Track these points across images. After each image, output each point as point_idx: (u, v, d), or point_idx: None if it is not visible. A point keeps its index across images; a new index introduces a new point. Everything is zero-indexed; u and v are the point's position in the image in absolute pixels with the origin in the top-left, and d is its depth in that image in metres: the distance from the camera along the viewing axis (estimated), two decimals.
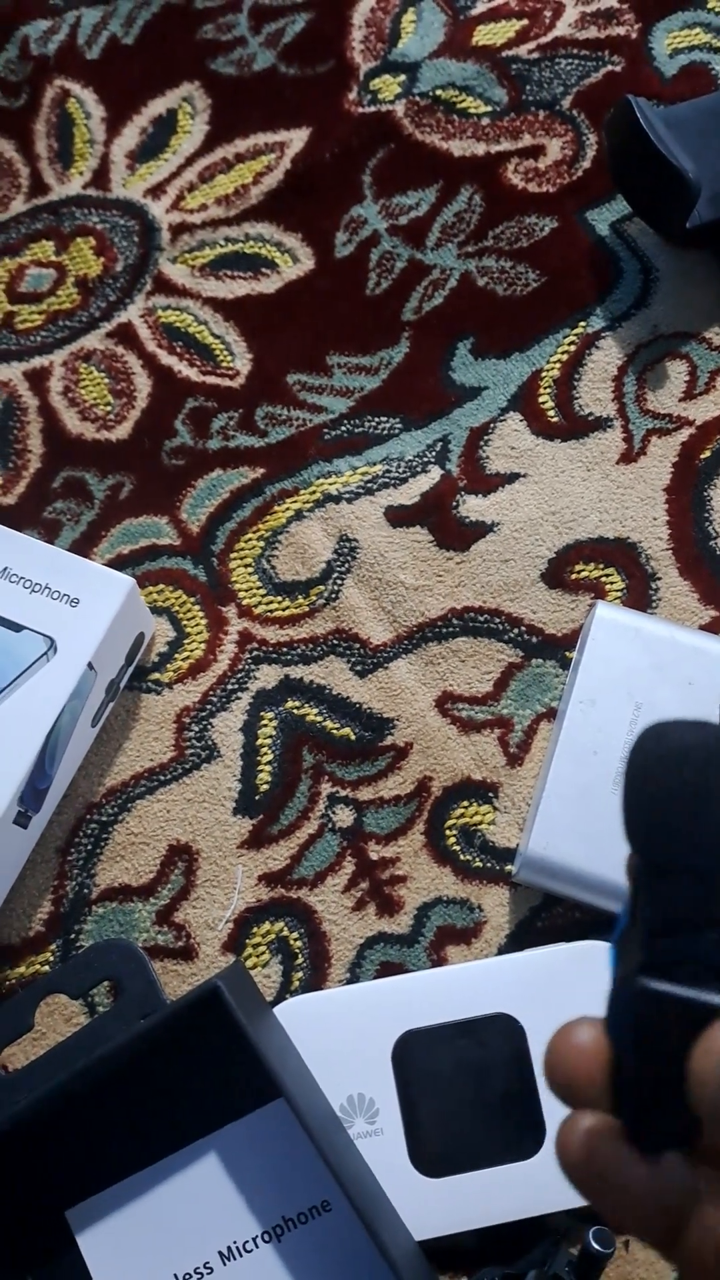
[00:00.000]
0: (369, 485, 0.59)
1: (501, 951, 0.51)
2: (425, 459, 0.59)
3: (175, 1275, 0.45)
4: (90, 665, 0.50)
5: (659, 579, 0.56)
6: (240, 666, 0.56)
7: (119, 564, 0.58)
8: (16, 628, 0.51)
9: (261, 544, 0.58)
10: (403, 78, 0.67)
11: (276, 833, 0.53)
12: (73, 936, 0.52)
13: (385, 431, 0.60)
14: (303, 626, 0.56)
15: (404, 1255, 0.41)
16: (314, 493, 0.59)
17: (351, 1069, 0.47)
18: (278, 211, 0.65)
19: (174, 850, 0.53)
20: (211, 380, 0.61)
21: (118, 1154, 0.46)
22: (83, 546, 0.58)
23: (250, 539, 0.58)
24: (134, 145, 0.67)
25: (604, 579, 0.56)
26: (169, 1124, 0.46)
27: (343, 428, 0.60)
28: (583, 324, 0.61)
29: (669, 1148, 0.26)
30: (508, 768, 0.53)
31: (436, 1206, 0.45)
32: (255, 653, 0.56)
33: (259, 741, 0.54)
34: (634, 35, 0.67)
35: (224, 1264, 0.44)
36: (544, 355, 0.61)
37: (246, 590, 0.57)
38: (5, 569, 0.52)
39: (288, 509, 0.59)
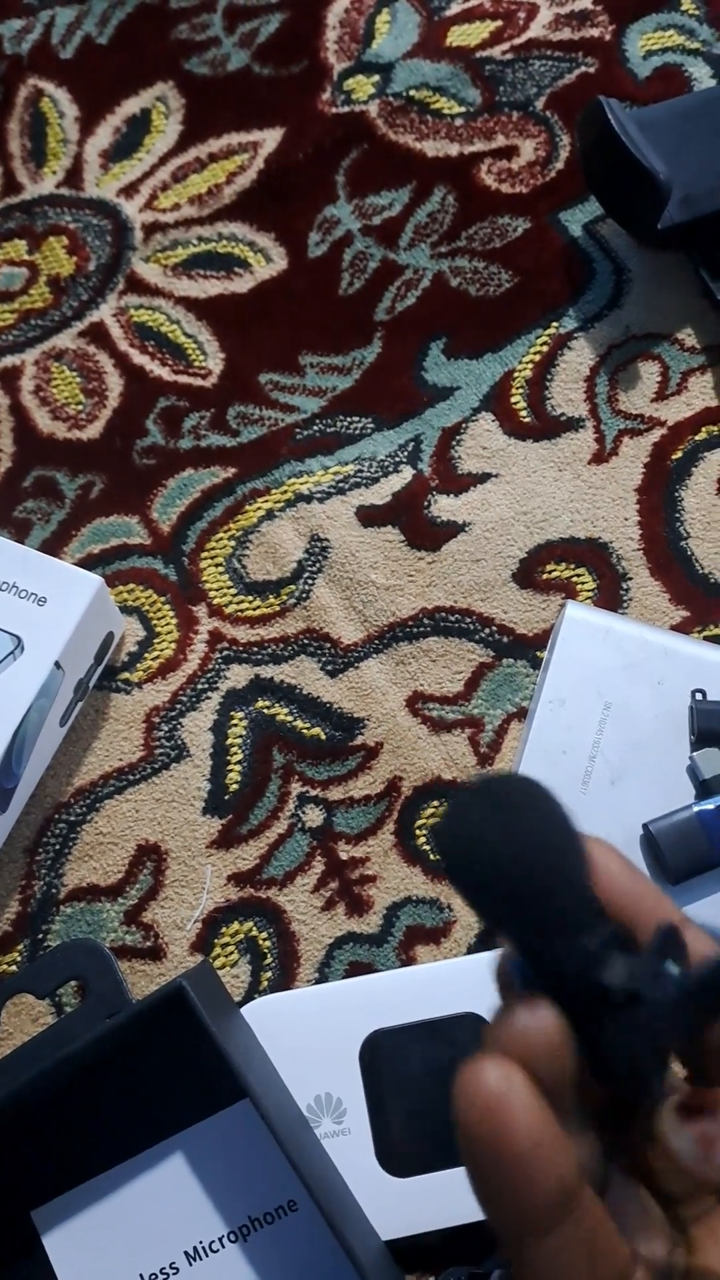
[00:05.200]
0: (340, 485, 0.59)
1: (470, 951, 0.51)
2: (397, 459, 0.59)
3: (141, 1275, 0.44)
4: (58, 664, 0.50)
5: (630, 579, 0.56)
6: (210, 666, 0.56)
7: (89, 563, 0.58)
8: None
9: (232, 543, 0.58)
10: (376, 78, 0.67)
11: (246, 832, 0.53)
12: (40, 936, 0.52)
13: (357, 431, 0.60)
14: (273, 626, 0.56)
15: (370, 1255, 0.41)
16: (285, 492, 0.59)
17: (319, 1069, 0.47)
18: (251, 211, 0.65)
19: (143, 850, 0.53)
20: (183, 380, 0.61)
21: (84, 1154, 0.46)
22: (53, 546, 0.58)
23: (221, 538, 0.58)
24: (107, 144, 0.67)
25: (575, 579, 0.56)
26: (135, 1124, 0.46)
27: (315, 427, 0.60)
28: (555, 324, 0.61)
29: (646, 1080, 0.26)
30: (478, 767, 0.53)
31: (403, 1206, 0.45)
32: (226, 652, 0.56)
33: (229, 741, 0.54)
34: (608, 37, 0.68)
35: (190, 1264, 0.44)
36: (516, 355, 0.61)
37: (217, 590, 0.57)
38: None
39: (259, 508, 0.58)
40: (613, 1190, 0.26)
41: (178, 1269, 0.44)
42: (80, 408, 0.61)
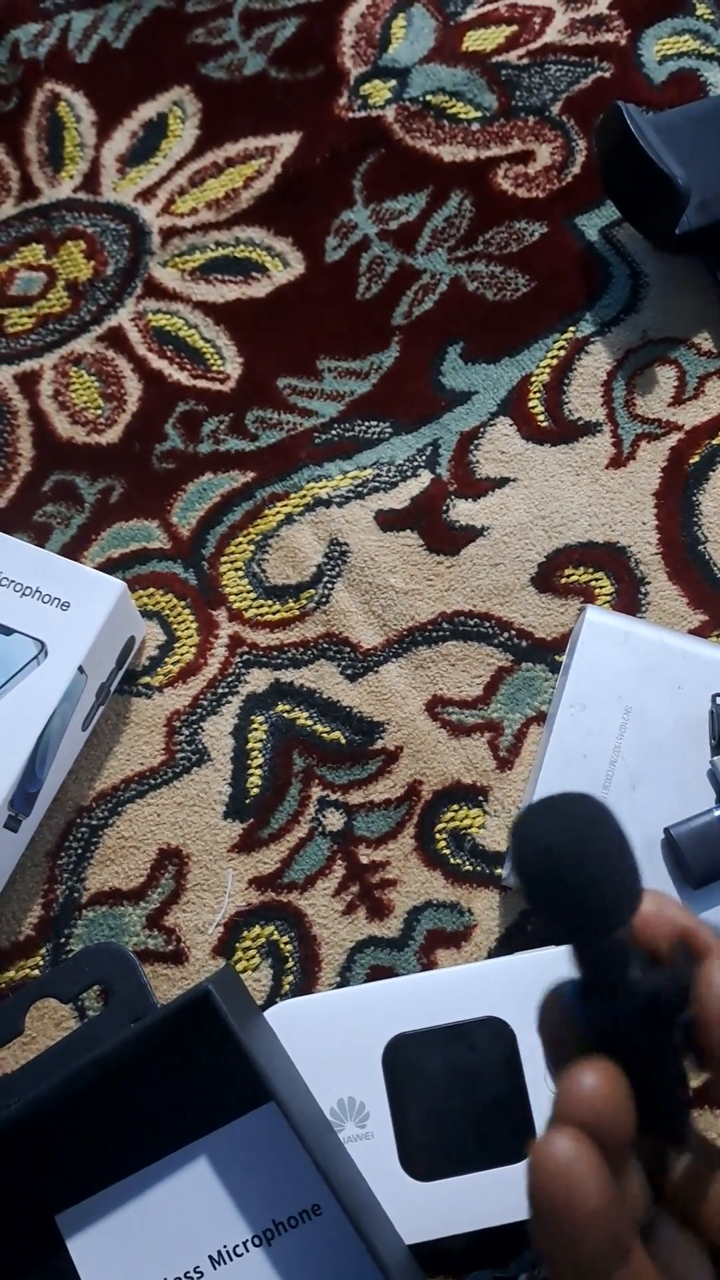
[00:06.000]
0: (359, 489, 0.59)
1: (491, 955, 0.51)
2: (415, 463, 0.59)
3: (165, 1279, 0.44)
4: (81, 669, 0.50)
5: (648, 583, 0.56)
6: (231, 670, 0.56)
7: (109, 567, 0.58)
8: (7, 631, 0.51)
9: (252, 548, 0.58)
10: (393, 83, 0.67)
11: (267, 836, 0.53)
12: (63, 940, 0.52)
13: (375, 436, 0.60)
14: (293, 630, 0.57)
15: (394, 1259, 0.41)
16: (304, 497, 0.59)
17: (342, 1072, 0.47)
18: (268, 216, 0.65)
19: (164, 854, 0.53)
20: (202, 384, 0.62)
21: (108, 1158, 0.46)
22: (73, 550, 0.58)
23: (240, 543, 0.58)
24: (124, 149, 0.67)
25: (593, 583, 0.56)
26: (159, 1128, 0.46)
27: (333, 432, 0.60)
28: (572, 329, 0.61)
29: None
30: (498, 771, 0.54)
31: (427, 1210, 0.45)
32: (245, 656, 0.56)
33: (249, 745, 0.55)
34: (623, 42, 0.68)
35: (214, 1268, 0.44)
36: (534, 360, 0.61)
37: (237, 594, 0.57)
38: None
39: (278, 513, 0.59)
40: (659, 1230, 0.28)
41: (202, 1273, 0.44)
42: (99, 412, 0.61)
